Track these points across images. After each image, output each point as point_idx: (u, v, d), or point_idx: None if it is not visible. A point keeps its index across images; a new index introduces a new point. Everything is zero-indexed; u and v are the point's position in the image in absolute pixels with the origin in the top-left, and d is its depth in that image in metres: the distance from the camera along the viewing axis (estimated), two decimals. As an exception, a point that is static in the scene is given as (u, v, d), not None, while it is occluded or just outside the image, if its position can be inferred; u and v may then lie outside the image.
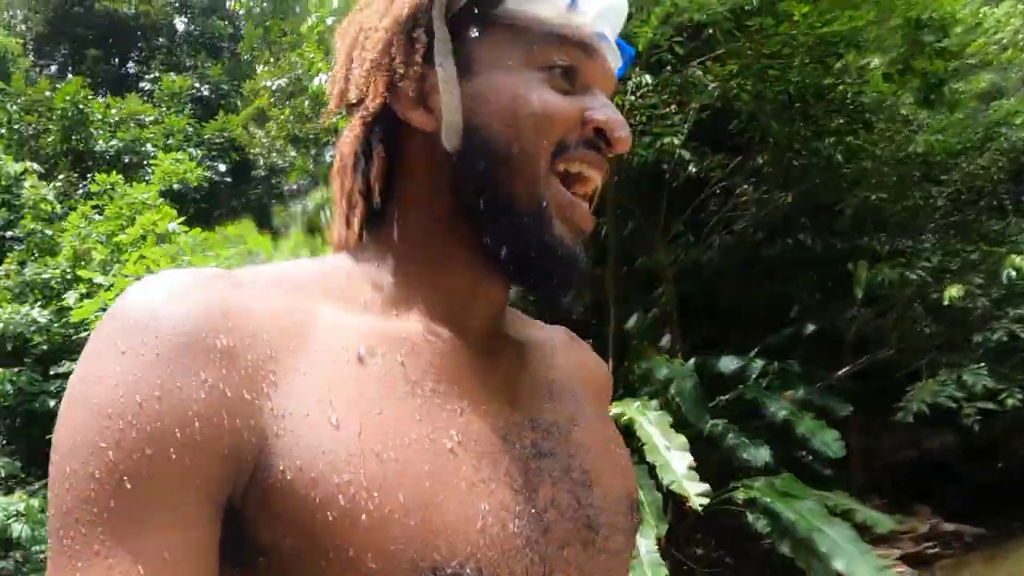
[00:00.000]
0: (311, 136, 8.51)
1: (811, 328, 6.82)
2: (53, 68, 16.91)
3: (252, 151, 11.57)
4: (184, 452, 0.44)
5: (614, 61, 0.65)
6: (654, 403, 4.48)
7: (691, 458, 3.81)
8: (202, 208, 13.61)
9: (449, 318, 0.60)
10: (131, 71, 17.37)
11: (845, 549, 3.71)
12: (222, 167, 14.22)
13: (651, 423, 4.09)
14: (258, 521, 0.47)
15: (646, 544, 3.72)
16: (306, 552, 0.46)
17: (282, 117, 8.68)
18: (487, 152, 0.58)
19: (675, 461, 3.80)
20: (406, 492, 0.48)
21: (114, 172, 7.82)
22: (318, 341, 0.52)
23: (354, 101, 0.61)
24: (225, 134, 13.48)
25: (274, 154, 10.75)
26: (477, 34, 0.59)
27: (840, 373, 6.59)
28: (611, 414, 0.85)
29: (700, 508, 3.57)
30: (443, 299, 0.60)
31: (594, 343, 0.94)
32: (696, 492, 3.61)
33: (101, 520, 0.43)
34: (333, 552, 0.46)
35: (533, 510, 0.55)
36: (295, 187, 10.70)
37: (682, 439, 3.95)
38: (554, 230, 0.58)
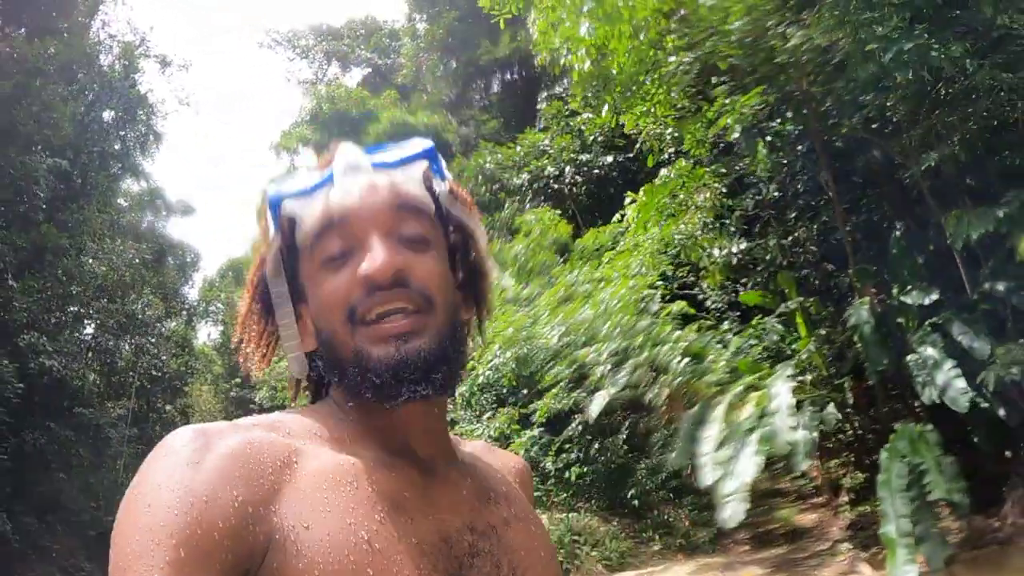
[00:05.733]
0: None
1: None
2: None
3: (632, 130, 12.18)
4: (223, 538, 0.64)
5: (379, 185, 0.80)
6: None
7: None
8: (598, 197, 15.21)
9: (397, 449, 0.79)
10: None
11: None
12: (609, 159, 15.57)
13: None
14: None
15: None
16: None
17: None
18: (323, 342, 0.81)
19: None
20: None
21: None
22: (304, 471, 0.71)
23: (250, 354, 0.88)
24: (606, 127, 14.71)
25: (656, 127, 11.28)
26: (298, 266, 0.82)
27: None
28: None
29: None
30: (388, 435, 0.80)
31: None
32: None
33: (163, 569, 0.61)
34: None
35: None
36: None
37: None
38: (373, 358, 0.76)
